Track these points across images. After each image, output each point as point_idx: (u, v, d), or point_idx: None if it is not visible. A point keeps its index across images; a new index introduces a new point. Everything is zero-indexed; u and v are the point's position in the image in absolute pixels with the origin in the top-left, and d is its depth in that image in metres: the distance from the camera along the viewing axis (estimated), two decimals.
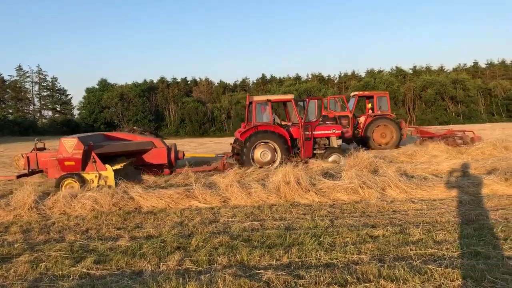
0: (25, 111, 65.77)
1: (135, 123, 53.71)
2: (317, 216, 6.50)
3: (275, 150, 12.03)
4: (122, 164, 9.87)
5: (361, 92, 18.04)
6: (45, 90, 67.35)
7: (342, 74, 66.41)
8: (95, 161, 9.29)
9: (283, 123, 13.32)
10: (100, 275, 4.41)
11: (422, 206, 6.98)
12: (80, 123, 60.47)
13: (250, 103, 13.00)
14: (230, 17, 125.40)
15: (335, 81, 66.26)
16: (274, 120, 12.80)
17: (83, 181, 9.03)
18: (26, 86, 66.21)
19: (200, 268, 4.46)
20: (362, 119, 17.45)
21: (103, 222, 6.76)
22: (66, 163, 9.28)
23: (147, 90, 60.71)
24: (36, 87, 66.57)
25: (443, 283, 3.75)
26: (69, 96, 68.98)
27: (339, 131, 12.83)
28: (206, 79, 65.73)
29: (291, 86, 57.09)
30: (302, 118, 12.21)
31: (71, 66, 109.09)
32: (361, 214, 6.65)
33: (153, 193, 7.93)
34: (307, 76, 66.22)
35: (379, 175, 8.36)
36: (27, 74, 65.80)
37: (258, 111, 12.51)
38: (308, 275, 4.04)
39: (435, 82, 56.01)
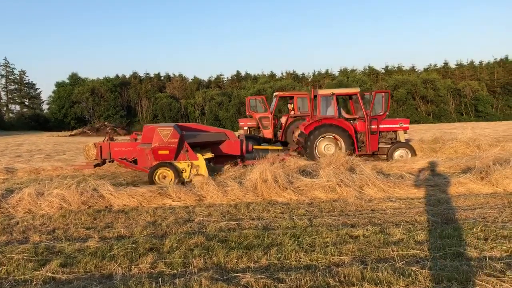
0: None
1: (106, 119, 52.58)
2: (295, 215, 6.35)
3: (339, 143, 12.03)
4: (212, 154, 10.01)
5: (281, 93, 17.81)
6: (12, 84, 64.98)
7: (316, 73, 66.75)
8: (187, 150, 9.27)
9: (348, 116, 13.20)
10: (66, 279, 4.11)
11: (400, 205, 6.92)
12: (49, 118, 58.70)
13: (315, 96, 12.88)
14: (203, 12, 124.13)
15: (309, 79, 66.47)
16: (339, 113, 12.70)
17: (176, 170, 9.06)
18: None
19: (175, 271, 4.21)
20: (283, 120, 17.21)
21: (71, 222, 6.41)
22: (160, 152, 9.25)
23: (119, 85, 59.35)
24: (3, 81, 64.17)
25: (428, 286, 3.64)
26: (38, 90, 66.85)
27: (407, 125, 12.69)
28: (180, 75, 64.80)
29: (265, 84, 56.92)
30: (368, 112, 12.07)
31: (41, 59, 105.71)
32: (339, 213, 6.52)
33: (125, 191, 7.61)
34: (282, 73, 66.29)
35: (357, 173, 8.27)
36: None
37: (322, 105, 12.46)
38: (289, 278, 3.86)
39: (406, 81, 56.90)
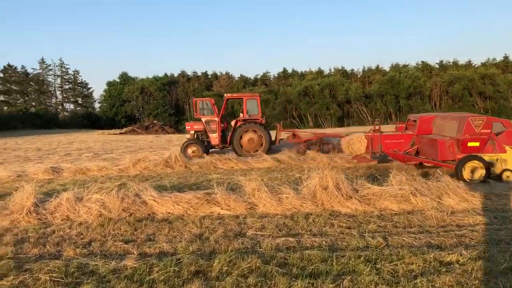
0: (47, 104, 65.90)
1: (155, 117, 53.13)
2: (366, 232, 5.35)
3: None
4: None
5: (229, 95, 16.41)
6: (67, 83, 67.38)
7: (366, 68, 64.43)
8: (494, 142, 8.64)
9: None
10: None
11: (492, 219, 5.75)
12: (101, 116, 60.23)
13: None
14: (250, 9, 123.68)
15: (359, 76, 64.32)
16: None
17: (487, 164, 8.33)
18: (49, 79, 66.25)
19: None
20: (233, 123, 15.66)
21: (109, 233, 5.75)
22: (470, 144, 8.72)
23: (168, 84, 59.96)
24: (58, 80, 66.63)
25: None
26: (91, 90, 68.93)
27: None
28: (227, 73, 64.67)
29: (312, 80, 55.51)
30: None
31: (93, 59, 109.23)
32: (419, 229, 5.46)
33: (169, 197, 6.87)
34: (330, 70, 64.48)
35: (433, 180, 7.12)
36: (50, 68, 65.82)
37: None
38: None
39: (462, 77, 53.73)
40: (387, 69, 62.55)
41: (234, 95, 16.78)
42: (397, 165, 10.51)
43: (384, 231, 5.39)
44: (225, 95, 16.11)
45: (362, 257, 4.35)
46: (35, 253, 5.03)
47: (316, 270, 4.09)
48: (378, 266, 4.14)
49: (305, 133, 16.42)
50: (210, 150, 15.19)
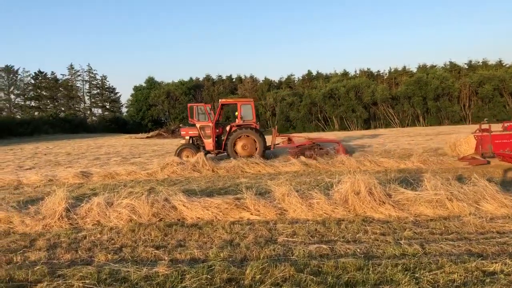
0: (76, 109, 67.47)
1: (181, 121, 53.59)
2: (401, 239, 5.17)
3: None
4: None
5: (224, 100, 16.21)
6: (95, 89, 68.92)
7: (392, 70, 63.40)
8: None
9: None
10: None
11: None
12: (128, 120, 61.21)
13: None
14: (274, 15, 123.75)
15: (385, 77, 63.38)
16: None
17: None
18: (77, 85, 68.00)
19: None
20: (228, 129, 15.50)
21: (140, 238, 5.74)
22: None
23: (193, 87, 60.53)
24: (87, 86, 68.25)
25: None
26: (118, 94, 70.34)
27: None
28: (251, 76, 64.78)
29: (338, 83, 54.91)
30: None
31: (119, 65, 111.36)
32: (457, 236, 5.24)
33: (198, 202, 6.83)
34: (355, 71, 63.73)
35: (469, 184, 6.86)
36: (78, 73, 67.52)
37: None
38: None
39: (493, 77, 52.17)
40: (414, 70, 61.46)
41: (229, 100, 16.78)
42: (431, 169, 10.23)
43: (421, 238, 5.20)
44: (219, 100, 16.11)
45: (400, 266, 4.18)
46: (67, 258, 5.05)
47: (352, 279, 3.95)
48: (417, 275, 3.97)
49: (300, 138, 16.32)
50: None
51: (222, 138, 15.13)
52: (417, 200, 6.36)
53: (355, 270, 4.16)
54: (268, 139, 15.37)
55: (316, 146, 14.64)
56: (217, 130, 15.29)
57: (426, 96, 49.76)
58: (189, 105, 15.91)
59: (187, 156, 14.32)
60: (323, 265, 4.33)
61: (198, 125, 14.99)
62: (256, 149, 14.65)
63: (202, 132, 14.88)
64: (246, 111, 15.19)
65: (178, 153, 14.55)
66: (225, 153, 15.04)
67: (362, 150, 17.33)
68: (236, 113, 15.32)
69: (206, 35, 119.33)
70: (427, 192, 6.47)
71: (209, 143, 14.88)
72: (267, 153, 15.12)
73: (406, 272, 4.03)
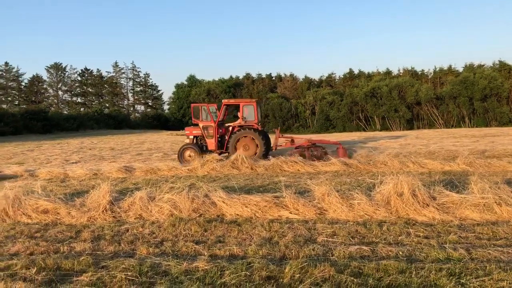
0: (120, 105, 69.52)
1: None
2: (446, 243, 4.99)
3: None
4: None
5: (226, 100, 15.87)
6: (138, 86, 70.72)
7: (437, 69, 61.38)
8: None
9: None
10: None
11: None
12: (169, 117, 62.42)
13: None
14: (316, 13, 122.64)
15: (429, 76, 61.48)
16: None
17: None
18: (122, 82, 70.09)
19: None
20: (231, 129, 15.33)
21: (180, 232, 5.84)
22: None
23: (233, 86, 60.89)
24: (130, 83, 70.22)
25: None
26: (160, 92, 71.83)
27: None
28: (291, 75, 64.46)
29: (380, 81, 53.67)
30: None
31: (162, 62, 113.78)
32: (506, 242, 5.01)
33: (238, 199, 6.88)
34: (398, 70, 62.16)
35: None
36: (123, 71, 69.55)
37: None
38: None
39: None
40: (460, 69, 59.27)
41: (231, 100, 16.74)
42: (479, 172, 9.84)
43: (467, 243, 5.00)
44: (223, 101, 16.12)
45: (444, 270, 4.03)
46: (110, 250, 5.21)
47: (394, 282, 3.85)
48: (462, 281, 3.82)
49: (301, 139, 16.12)
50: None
51: (226, 138, 15.25)
52: (463, 204, 6.12)
53: (397, 273, 4.05)
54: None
55: (313, 146, 14.62)
56: (221, 130, 15.43)
57: (472, 96, 47.83)
58: (192, 105, 16.10)
59: (189, 156, 14.46)
60: (364, 266, 4.24)
61: (201, 125, 15.15)
62: (257, 149, 14.69)
63: (205, 132, 15.03)
64: (248, 112, 15.25)
65: (181, 153, 14.70)
66: (226, 153, 15.12)
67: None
68: (239, 114, 15.44)
69: (247, 34, 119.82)
70: (473, 196, 6.23)
71: (211, 142, 15.01)
72: (271, 154, 15.05)
73: (451, 278, 3.88)
